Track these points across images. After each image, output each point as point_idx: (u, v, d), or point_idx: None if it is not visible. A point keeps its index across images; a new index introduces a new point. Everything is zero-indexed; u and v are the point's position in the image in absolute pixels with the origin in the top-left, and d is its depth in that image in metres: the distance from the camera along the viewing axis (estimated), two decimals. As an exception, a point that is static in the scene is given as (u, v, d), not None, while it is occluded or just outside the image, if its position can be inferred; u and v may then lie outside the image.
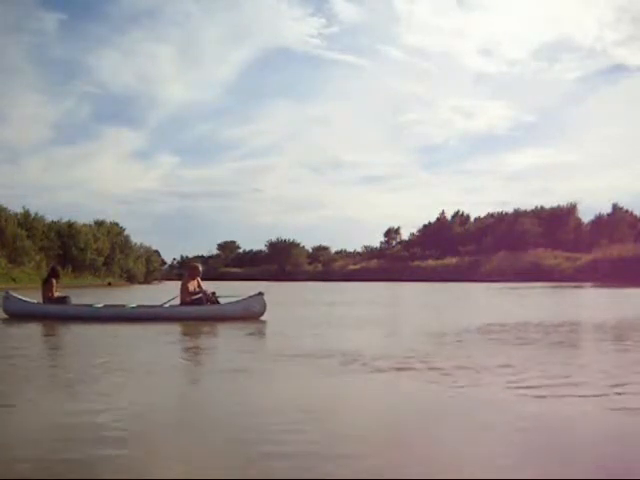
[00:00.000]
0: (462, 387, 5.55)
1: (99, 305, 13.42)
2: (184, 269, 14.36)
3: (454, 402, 5.02)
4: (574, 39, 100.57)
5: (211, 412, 4.77)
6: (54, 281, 13.60)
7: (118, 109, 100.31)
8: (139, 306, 13.37)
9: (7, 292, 13.72)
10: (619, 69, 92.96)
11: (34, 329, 11.50)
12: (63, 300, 13.38)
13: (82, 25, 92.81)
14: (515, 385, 5.57)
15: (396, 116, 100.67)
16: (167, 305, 13.08)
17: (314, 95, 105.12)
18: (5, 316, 13.03)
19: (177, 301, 13.04)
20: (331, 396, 5.37)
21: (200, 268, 13.45)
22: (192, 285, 12.94)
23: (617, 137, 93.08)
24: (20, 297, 13.34)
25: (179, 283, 13.69)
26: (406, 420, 4.58)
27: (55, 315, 12.73)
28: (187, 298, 12.81)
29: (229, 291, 15.50)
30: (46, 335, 11.10)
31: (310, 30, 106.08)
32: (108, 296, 17.58)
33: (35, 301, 13.40)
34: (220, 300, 13.16)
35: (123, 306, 13.42)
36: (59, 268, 15.23)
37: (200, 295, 12.83)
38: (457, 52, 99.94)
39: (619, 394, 5.23)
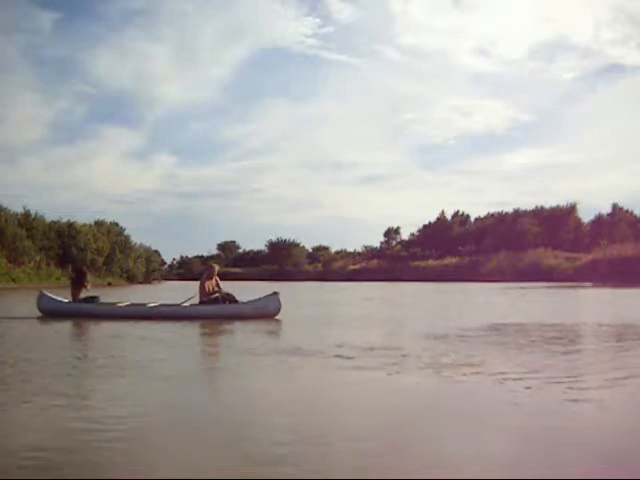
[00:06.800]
0: (462, 386, 5.56)
1: (123, 304, 14.16)
2: (205, 268, 15.19)
3: (454, 401, 5.03)
4: (571, 38, 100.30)
5: (215, 411, 4.77)
6: (82, 282, 14.53)
7: (115, 109, 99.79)
8: (160, 305, 14.09)
9: (41, 291, 14.61)
10: (616, 69, 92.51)
11: (63, 326, 12.20)
12: (92, 300, 14.23)
13: (78, 24, 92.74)
14: (516, 385, 5.58)
15: (394, 116, 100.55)
16: (186, 304, 13.65)
17: (311, 95, 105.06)
18: (39, 314, 13.83)
19: (196, 300, 13.61)
20: (334, 394, 5.39)
21: (216, 268, 14.02)
22: (210, 285, 13.52)
23: (616, 137, 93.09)
24: (52, 296, 14.22)
25: (178, 283, 14.07)
26: (406, 419, 4.58)
27: (84, 313, 13.51)
28: (205, 297, 13.41)
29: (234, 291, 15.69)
30: (72, 332, 11.72)
31: (305, 30, 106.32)
32: (110, 296, 17.66)
33: (66, 300, 14.22)
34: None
35: (145, 305, 14.11)
36: (86, 269, 16.16)
37: (218, 294, 13.35)
38: (454, 52, 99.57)
39: (620, 394, 5.23)
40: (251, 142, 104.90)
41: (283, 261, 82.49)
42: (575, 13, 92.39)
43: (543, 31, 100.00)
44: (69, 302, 14.15)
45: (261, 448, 3.67)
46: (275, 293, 13.30)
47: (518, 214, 72.42)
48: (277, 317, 13.07)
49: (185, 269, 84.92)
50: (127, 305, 14.11)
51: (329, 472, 3.27)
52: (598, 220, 68.88)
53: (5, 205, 42.80)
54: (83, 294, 14.37)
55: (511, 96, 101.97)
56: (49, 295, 14.19)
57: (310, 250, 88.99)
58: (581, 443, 3.89)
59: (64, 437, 3.92)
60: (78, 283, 14.46)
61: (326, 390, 5.61)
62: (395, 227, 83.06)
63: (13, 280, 38.09)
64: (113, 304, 14.20)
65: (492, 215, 77.16)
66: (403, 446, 3.83)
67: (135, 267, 55.67)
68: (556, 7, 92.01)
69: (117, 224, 56.84)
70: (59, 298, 14.15)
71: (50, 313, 13.69)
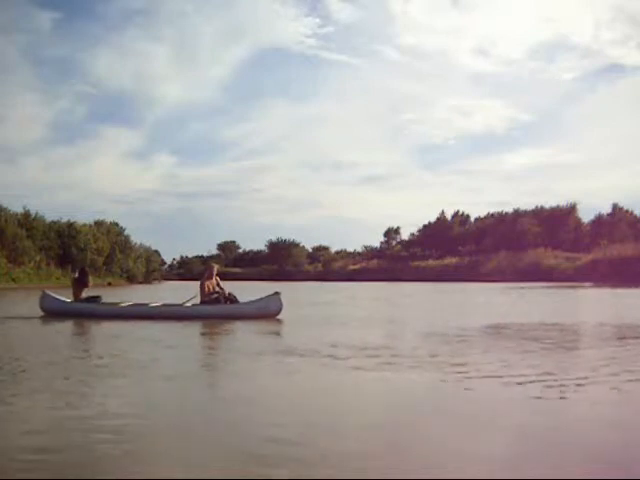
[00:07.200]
0: (462, 386, 5.56)
1: (126, 304, 14.25)
2: (205, 268, 15.45)
3: (454, 401, 5.03)
4: (571, 38, 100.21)
5: (215, 411, 4.78)
6: (84, 282, 14.64)
7: (115, 109, 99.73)
8: (162, 305, 14.18)
9: (44, 291, 14.74)
10: (616, 69, 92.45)
11: (65, 326, 12.30)
12: (94, 299, 14.36)
13: (77, 24, 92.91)
14: (516, 385, 5.58)
15: (394, 116, 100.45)
16: (188, 304, 13.72)
17: (311, 95, 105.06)
18: (42, 314, 13.93)
19: (197, 300, 13.67)
20: (334, 395, 5.39)
21: (216, 268, 14.10)
22: (210, 284, 13.59)
23: (616, 137, 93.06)
24: (55, 296, 14.35)
25: (178, 283, 14.11)
26: (406, 419, 4.58)
27: (86, 313, 13.61)
28: (205, 297, 13.48)
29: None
30: (74, 332, 11.80)
31: (305, 30, 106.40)
32: (110, 296, 17.68)
33: (69, 300, 14.31)
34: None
35: (147, 305, 14.17)
36: (88, 269, 16.19)
37: (218, 294, 13.39)
38: (453, 52, 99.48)
39: (620, 394, 5.23)
40: (251, 142, 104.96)
41: (283, 261, 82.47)
42: (575, 13, 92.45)
43: (543, 31, 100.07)
44: (71, 302, 14.25)
45: (261, 448, 3.67)
46: (276, 293, 13.34)
47: (518, 214, 72.45)
48: (278, 317, 13.11)
49: (185, 269, 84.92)
50: (129, 305, 14.19)
51: (329, 472, 3.27)
52: (598, 220, 68.90)
53: (5, 205, 42.93)
54: (85, 294, 14.44)
55: (511, 96, 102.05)
56: (52, 295, 14.29)
57: (310, 250, 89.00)
58: (581, 443, 3.89)
59: (64, 437, 3.92)
60: (80, 283, 14.55)
61: (326, 390, 5.61)
62: (395, 227, 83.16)
63: (13, 280, 38.09)
64: (115, 304, 14.28)
65: (492, 215, 77.20)
66: (403, 446, 3.83)
67: (135, 267, 55.65)
68: (556, 7, 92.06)
69: (117, 224, 56.86)
70: (62, 298, 14.23)
71: (53, 313, 13.80)
